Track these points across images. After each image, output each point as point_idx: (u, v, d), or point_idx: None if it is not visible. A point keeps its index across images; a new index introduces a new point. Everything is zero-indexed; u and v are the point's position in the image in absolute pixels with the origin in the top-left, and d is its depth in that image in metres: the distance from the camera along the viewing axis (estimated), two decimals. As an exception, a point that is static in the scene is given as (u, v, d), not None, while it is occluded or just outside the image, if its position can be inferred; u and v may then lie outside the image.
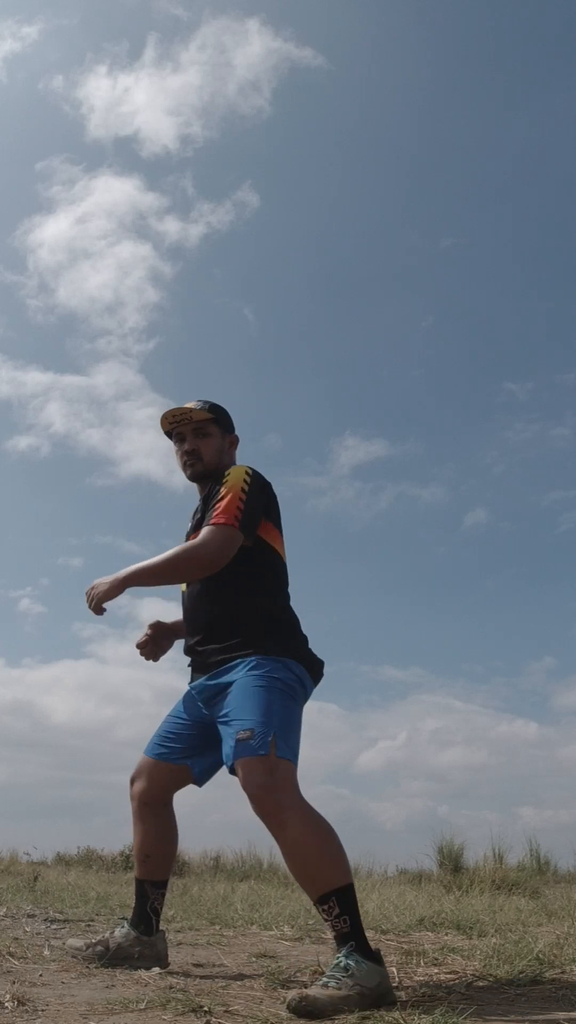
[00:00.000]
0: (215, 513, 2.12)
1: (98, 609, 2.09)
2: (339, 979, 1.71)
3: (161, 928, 2.30)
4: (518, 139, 14.76)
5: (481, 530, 15.08)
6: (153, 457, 14.45)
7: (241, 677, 2.05)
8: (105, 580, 2.11)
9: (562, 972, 2.22)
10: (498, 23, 13.86)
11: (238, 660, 2.09)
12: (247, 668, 2.06)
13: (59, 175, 14.21)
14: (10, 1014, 1.63)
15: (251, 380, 16.24)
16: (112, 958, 2.23)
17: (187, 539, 2.25)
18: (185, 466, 2.33)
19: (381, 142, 15.17)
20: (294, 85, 13.90)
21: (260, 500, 2.19)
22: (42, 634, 14.17)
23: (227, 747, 1.99)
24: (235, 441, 2.40)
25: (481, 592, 15.49)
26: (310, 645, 2.22)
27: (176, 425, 2.33)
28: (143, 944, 2.25)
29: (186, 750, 2.22)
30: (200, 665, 2.21)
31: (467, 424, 15.84)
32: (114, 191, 14.36)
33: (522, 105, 14.52)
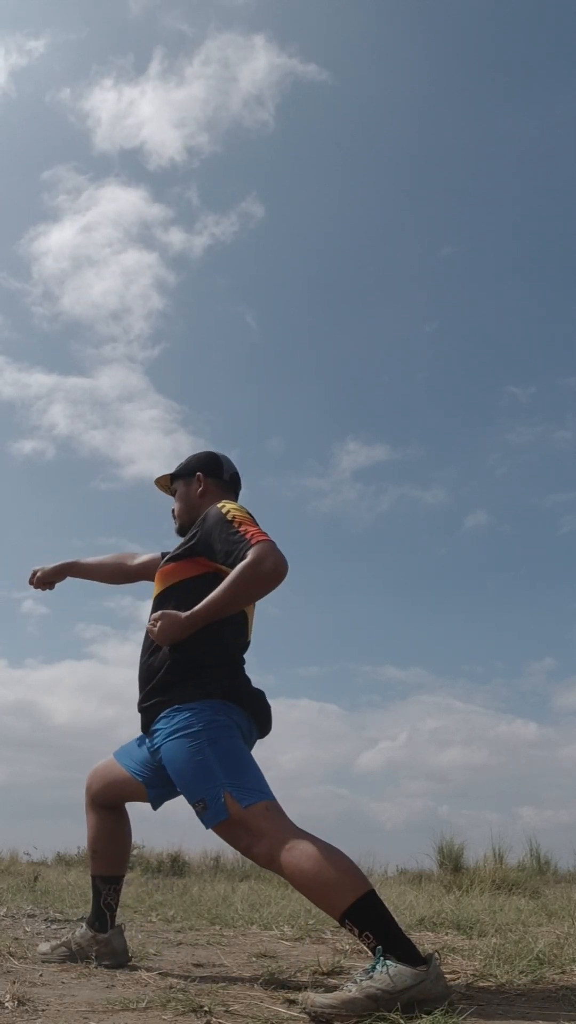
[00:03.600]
0: (246, 535, 2.01)
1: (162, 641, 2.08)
2: (356, 981, 1.66)
3: (118, 924, 2.31)
4: (517, 146, 14.82)
5: (482, 532, 15.11)
6: (156, 459, 14.50)
7: (164, 743, 2.03)
8: (170, 622, 2.04)
9: (562, 972, 2.22)
10: (499, 37, 13.96)
11: (155, 718, 2.08)
12: (164, 730, 2.03)
13: (65, 184, 14.27)
14: (10, 1014, 1.63)
15: (254, 385, 16.32)
16: (74, 959, 2.27)
17: (158, 576, 2.28)
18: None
19: (382, 154, 15.28)
20: (298, 99, 14.02)
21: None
22: (44, 635, 14.19)
23: (195, 815, 1.98)
24: (200, 478, 2.38)
25: (482, 593, 15.50)
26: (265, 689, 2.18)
27: (166, 491, 2.53)
28: (99, 943, 2.27)
29: (145, 776, 2.21)
30: (142, 724, 2.18)
31: (469, 427, 15.87)
32: (120, 201, 14.44)
33: (521, 111, 14.58)
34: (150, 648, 2.19)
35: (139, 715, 2.18)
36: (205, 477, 2.38)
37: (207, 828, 1.94)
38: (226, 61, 13.74)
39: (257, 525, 2.09)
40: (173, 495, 2.47)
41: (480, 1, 13.85)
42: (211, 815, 1.91)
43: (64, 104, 14.02)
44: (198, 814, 1.95)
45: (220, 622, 2.10)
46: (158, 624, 2.06)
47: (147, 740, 2.15)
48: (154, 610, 2.21)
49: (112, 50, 14.57)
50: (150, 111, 14.23)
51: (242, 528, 2.04)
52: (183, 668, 2.08)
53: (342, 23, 13.86)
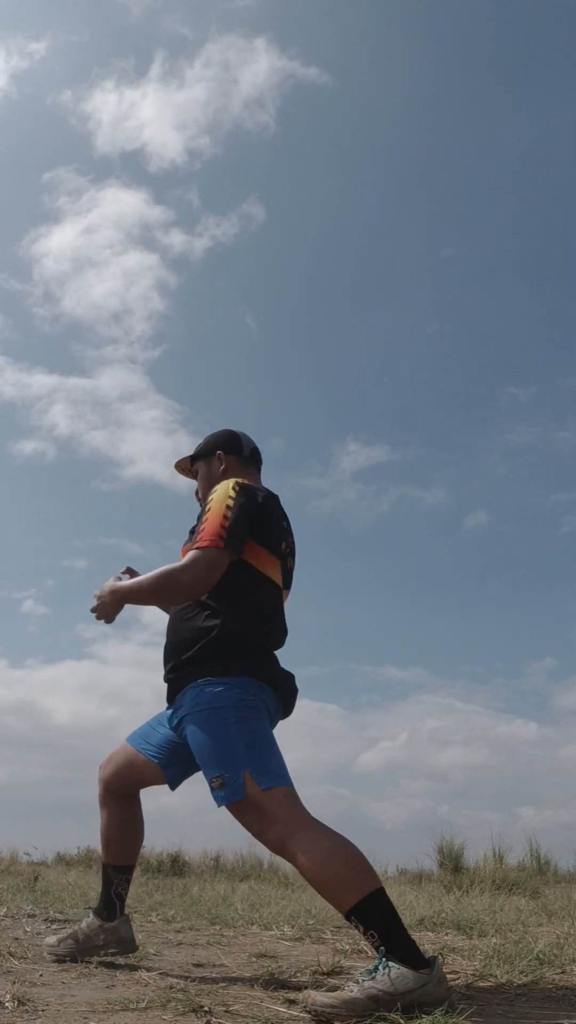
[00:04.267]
0: (199, 535, 2.04)
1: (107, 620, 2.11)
2: (358, 981, 1.66)
3: (125, 912, 2.32)
4: (517, 147, 14.82)
5: (482, 532, 15.11)
6: (157, 459, 14.51)
7: (189, 713, 2.01)
8: (107, 592, 2.09)
9: (562, 972, 2.22)
10: (499, 37, 13.98)
11: (182, 689, 2.06)
12: (191, 702, 2.01)
13: (66, 186, 14.29)
14: (10, 1014, 1.63)
15: (254, 385, 16.33)
16: (81, 950, 2.28)
17: (182, 554, 2.24)
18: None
19: (382, 155, 15.30)
20: (298, 102, 14.04)
21: (247, 515, 2.08)
22: (45, 635, 14.18)
23: (209, 790, 1.96)
24: (220, 457, 2.37)
25: (482, 593, 15.50)
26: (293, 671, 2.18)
27: (187, 474, 2.51)
28: (106, 931, 2.28)
29: (162, 758, 2.21)
30: (167, 694, 2.17)
31: (469, 427, 15.88)
32: (121, 203, 14.45)
33: (521, 112, 14.58)
34: (183, 616, 2.15)
35: (165, 685, 2.16)
36: (226, 455, 2.38)
37: (220, 806, 1.92)
38: (227, 64, 13.80)
39: (228, 521, 2.03)
40: (194, 477, 2.46)
41: (480, 1, 13.89)
42: (228, 793, 1.89)
43: (65, 106, 14.06)
44: (213, 790, 1.92)
45: (260, 600, 2.11)
46: (99, 615, 2.08)
47: (169, 712, 2.14)
48: None
49: (113, 52, 14.64)
50: (151, 113, 14.28)
51: (206, 520, 2.05)
52: (217, 642, 2.04)
53: (343, 26, 13.90)
